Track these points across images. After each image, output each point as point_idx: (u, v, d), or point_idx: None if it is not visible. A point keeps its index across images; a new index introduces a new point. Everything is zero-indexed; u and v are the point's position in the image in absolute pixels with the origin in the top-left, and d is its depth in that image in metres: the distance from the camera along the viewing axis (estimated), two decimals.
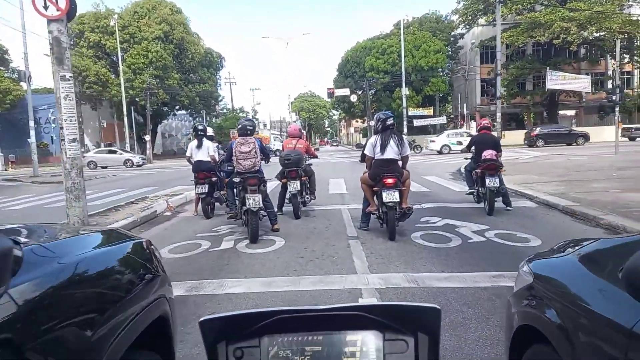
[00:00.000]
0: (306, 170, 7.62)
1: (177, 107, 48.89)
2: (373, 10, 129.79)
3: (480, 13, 38.79)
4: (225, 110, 56.16)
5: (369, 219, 6.11)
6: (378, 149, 5.55)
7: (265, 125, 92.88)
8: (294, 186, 7.08)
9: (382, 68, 40.50)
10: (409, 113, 38.78)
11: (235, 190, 6.49)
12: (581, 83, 21.27)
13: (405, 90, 37.28)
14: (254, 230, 5.59)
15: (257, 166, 5.95)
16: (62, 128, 6.05)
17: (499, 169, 6.97)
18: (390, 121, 5.58)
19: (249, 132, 6.03)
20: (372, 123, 6.72)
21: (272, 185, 11.30)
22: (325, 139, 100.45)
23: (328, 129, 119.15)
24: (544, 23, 31.87)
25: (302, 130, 8.14)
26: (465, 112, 39.02)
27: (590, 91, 25.35)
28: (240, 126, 6.13)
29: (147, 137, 38.67)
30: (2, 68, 40.29)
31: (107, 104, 43.75)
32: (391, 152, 5.51)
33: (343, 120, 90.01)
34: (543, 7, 34.75)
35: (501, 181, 6.95)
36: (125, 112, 36.76)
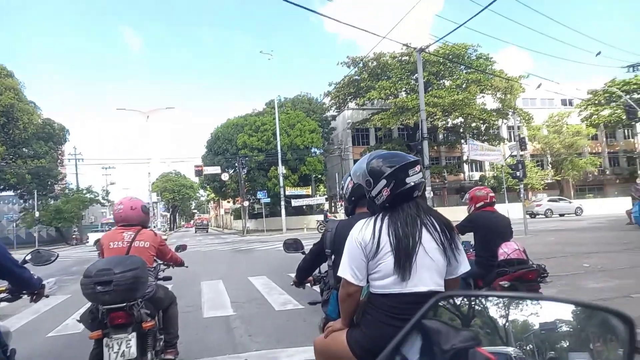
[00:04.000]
0: (155, 301, 3.46)
1: (1, 187, 38.99)
2: (239, 91, 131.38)
3: (350, 97, 39.84)
4: (67, 191, 46.89)
5: None
6: (387, 261, 1.79)
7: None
8: (124, 349, 2.83)
9: (255, 145, 37.96)
10: (287, 192, 36.32)
11: None
12: (496, 155, 21.33)
13: (281, 169, 34.97)
14: None
15: None
16: None
17: None
18: (415, 177, 1.85)
19: None
20: (343, 186, 2.21)
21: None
22: (192, 221, 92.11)
23: (195, 210, 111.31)
24: (411, 108, 33.37)
25: (148, 210, 3.89)
26: (342, 191, 38.06)
27: (504, 163, 26.19)
28: None
29: None
30: None
31: None
32: (430, 271, 1.80)
33: (212, 202, 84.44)
34: (406, 94, 37.00)
35: None
36: None
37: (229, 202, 57.36)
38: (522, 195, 14.17)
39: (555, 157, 42.89)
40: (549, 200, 33.21)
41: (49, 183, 41.97)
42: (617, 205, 31.77)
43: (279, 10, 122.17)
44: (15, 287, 2.28)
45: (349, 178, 2.39)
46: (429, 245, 1.79)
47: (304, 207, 40.72)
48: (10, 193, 42.53)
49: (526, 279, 3.69)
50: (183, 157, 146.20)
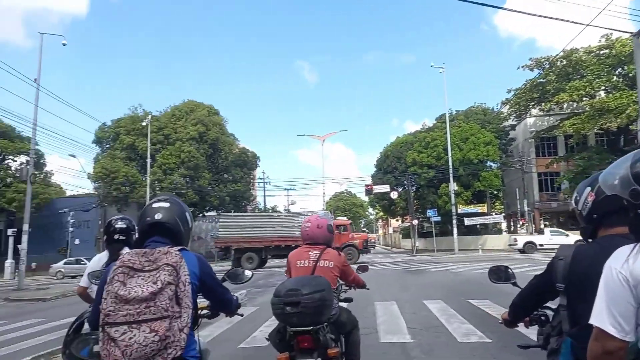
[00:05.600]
0: (339, 325, 3.29)
1: (207, 208, 46.45)
2: (409, 109, 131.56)
3: (533, 103, 35.70)
4: (257, 211, 53.43)
5: None
6: None
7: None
8: None
9: (425, 162, 36.99)
10: (459, 210, 34.15)
11: None
12: None
13: (453, 186, 33.12)
14: None
15: (180, 345, 1.61)
16: None
17: None
18: None
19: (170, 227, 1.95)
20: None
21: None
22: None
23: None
24: (613, 108, 28.04)
25: (332, 230, 3.79)
26: (525, 209, 33.95)
27: None
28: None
29: None
30: (36, 172, 39.86)
31: (135, 206, 41.73)
32: None
33: (380, 220, 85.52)
34: (606, 92, 31.31)
35: None
36: None
37: (397, 220, 57.21)
38: None
39: None
40: None
41: (243, 204, 48.38)
42: None
43: (446, 22, 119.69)
44: (215, 307, 2.34)
45: (588, 189, 1.76)
46: None
47: (478, 226, 37.70)
48: (213, 213, 50.23)
49: None
50: (354, 177, 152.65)
